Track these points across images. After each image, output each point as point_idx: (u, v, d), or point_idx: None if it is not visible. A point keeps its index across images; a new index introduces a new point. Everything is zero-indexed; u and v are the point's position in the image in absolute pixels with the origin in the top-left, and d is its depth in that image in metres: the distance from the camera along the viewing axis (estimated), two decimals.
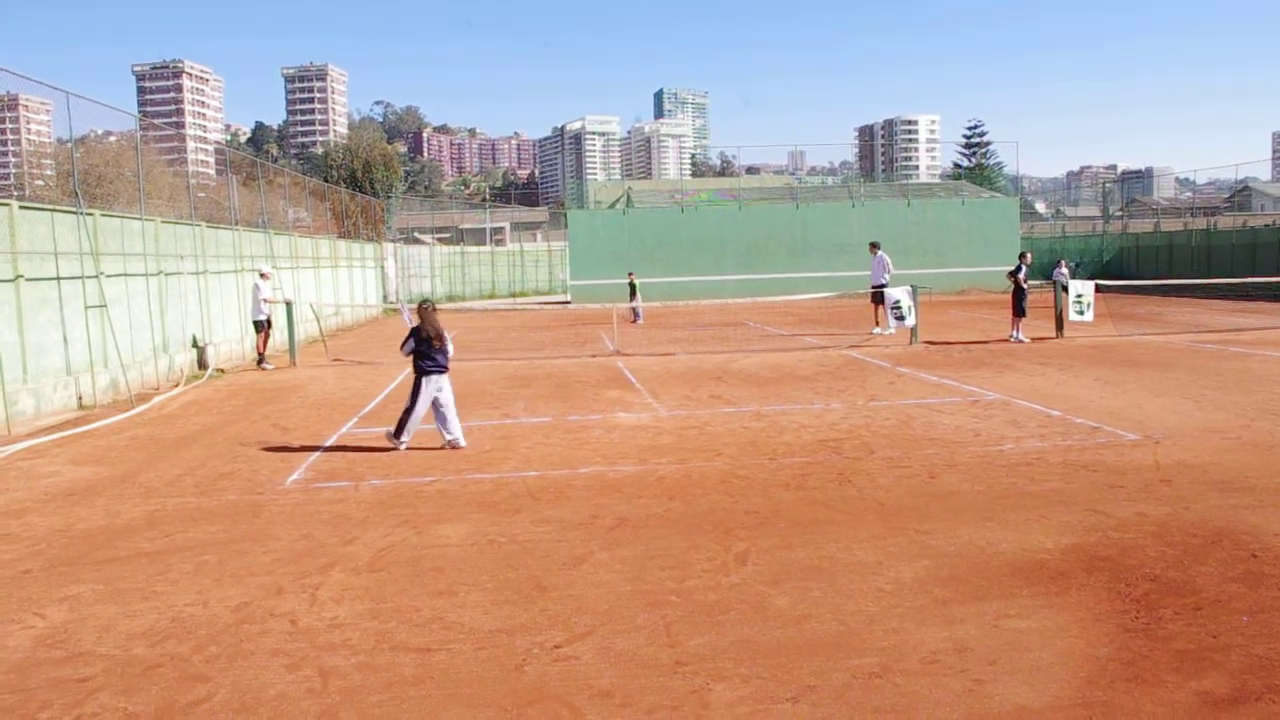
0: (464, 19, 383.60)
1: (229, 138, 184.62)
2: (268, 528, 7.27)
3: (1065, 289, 19.99)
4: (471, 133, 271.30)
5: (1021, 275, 19.51)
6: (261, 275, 18.59)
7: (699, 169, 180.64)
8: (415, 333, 9.98)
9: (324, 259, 28.82)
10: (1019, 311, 19.39)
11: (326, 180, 56.85)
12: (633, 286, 28.64)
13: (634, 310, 27.94)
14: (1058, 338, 19.36)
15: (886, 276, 21.80)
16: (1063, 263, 27.17)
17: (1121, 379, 13.59)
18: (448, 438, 10.02)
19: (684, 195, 43.70)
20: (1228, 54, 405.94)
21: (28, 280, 12.59)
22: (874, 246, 22.88)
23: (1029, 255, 21.57)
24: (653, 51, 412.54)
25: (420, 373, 9.87)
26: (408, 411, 9.96)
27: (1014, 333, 19.42)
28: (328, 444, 10.54)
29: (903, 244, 36.70)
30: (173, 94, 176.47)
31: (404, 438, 9.99)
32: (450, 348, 10.15)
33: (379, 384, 15.51)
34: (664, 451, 9.66)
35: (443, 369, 9.95)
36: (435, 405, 9.93)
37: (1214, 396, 11.85)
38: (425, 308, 10.14)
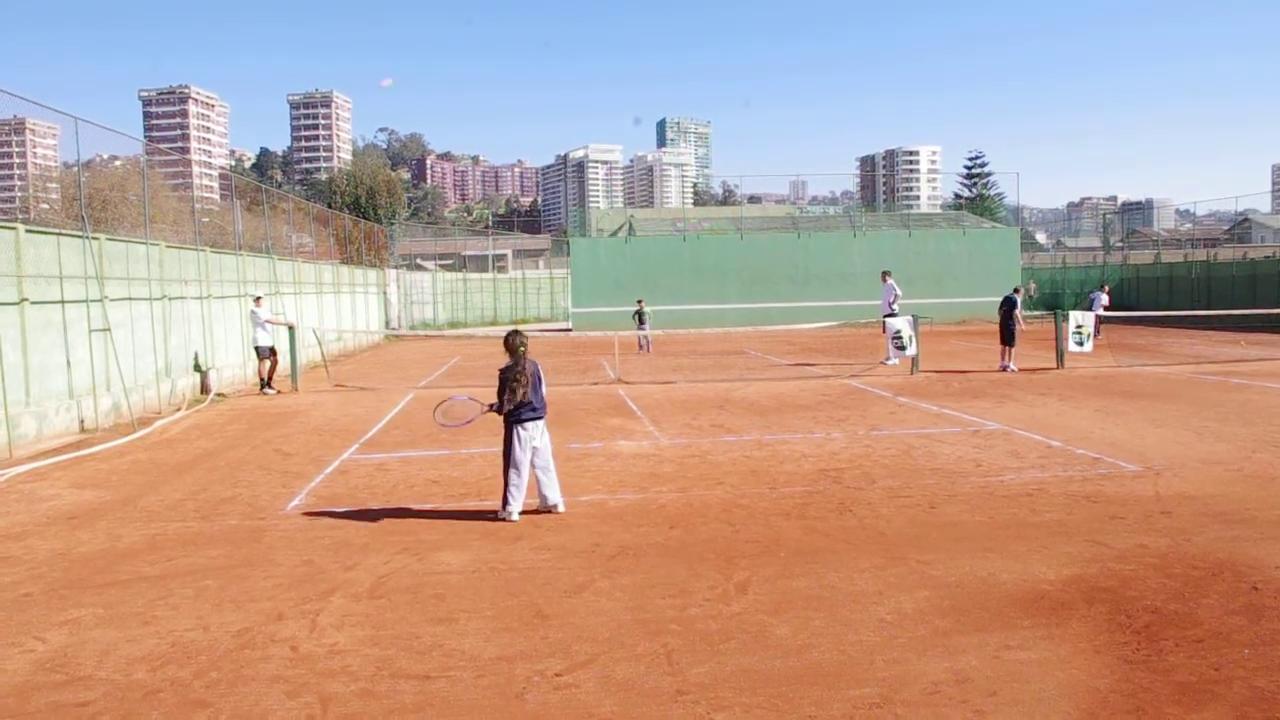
0: (466, 40, 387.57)
1: (234, 163, 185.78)
2: (269, 553, 7.27)
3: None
4: (475, 160, 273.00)
5: (1017, 310, 19.66)
6: (256, 301, 18.60)
7: (701, 198, 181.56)
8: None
9: (327, 284, 28.94)
10: (1007, 340, 19.51)
11: (330, 206, 57.23)
12: (640, 314, 28.15)
13: (641, 339, 26.98)
14: (1058, 368, 19.39)
15: (895, 306, 21.99)
16: (1105, 289, 27.29)
17: (1122, 410, 13.60)
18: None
19: (686, 224, 43.92)
20: (1227, 85, 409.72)
21: (32, 303, 12.66)
22: (885, 275, 23.28)
23: (1026, 288, 21.70)
24: (656, 80, 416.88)
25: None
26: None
27: (1005, 362, 19.49)
28: (329, 470, 10.55)
29: (904, 274, 36.72)
30: (178, 119, 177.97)
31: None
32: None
33: (381, 410, 15.54)
34: (665, 480, 9.67)
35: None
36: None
37: (1215, 428, 11.86)
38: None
